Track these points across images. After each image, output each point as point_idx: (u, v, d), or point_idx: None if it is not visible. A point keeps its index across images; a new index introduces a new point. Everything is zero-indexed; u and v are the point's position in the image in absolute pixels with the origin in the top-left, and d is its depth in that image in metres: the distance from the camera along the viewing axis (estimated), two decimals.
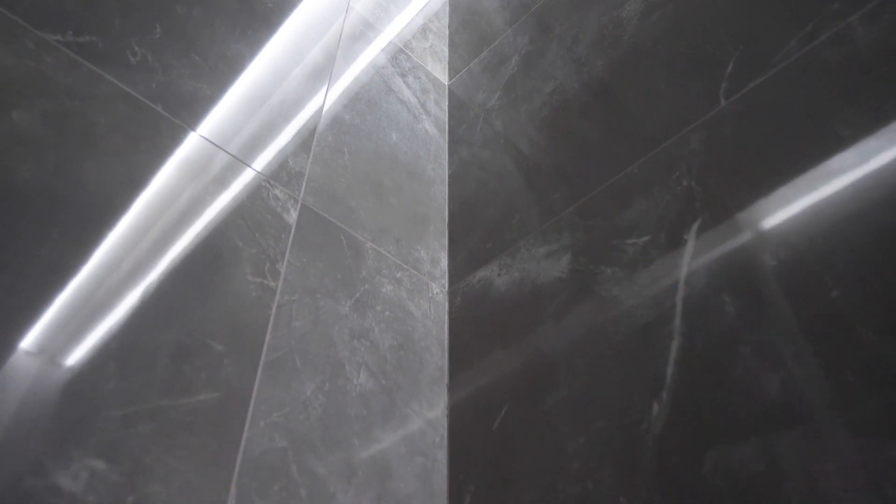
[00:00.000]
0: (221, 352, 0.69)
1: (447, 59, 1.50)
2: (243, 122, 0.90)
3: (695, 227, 0.73)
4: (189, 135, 0.82)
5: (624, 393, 0.69)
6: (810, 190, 0.65)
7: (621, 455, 0.66)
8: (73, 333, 0.60)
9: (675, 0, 0.98)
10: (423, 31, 1.50)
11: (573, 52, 1.12)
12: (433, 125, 1.29)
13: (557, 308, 0.83)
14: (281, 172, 0.90)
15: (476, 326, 0.94)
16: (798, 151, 0.68)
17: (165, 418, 0.61)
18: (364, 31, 1.30)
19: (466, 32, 1.52)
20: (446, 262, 1.07)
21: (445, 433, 0.86)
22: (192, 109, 0.84)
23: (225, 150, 0.85)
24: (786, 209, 0.66)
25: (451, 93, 1.40)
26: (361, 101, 1.15)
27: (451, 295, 1.02)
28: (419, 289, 0.98)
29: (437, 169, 1.22)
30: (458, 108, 1.34)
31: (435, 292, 1.01)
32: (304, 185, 0.92)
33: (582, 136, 0.99)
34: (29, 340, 0.57)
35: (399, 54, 1.35)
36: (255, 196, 0.84)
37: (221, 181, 0.82)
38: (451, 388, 0.90)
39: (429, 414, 0.86)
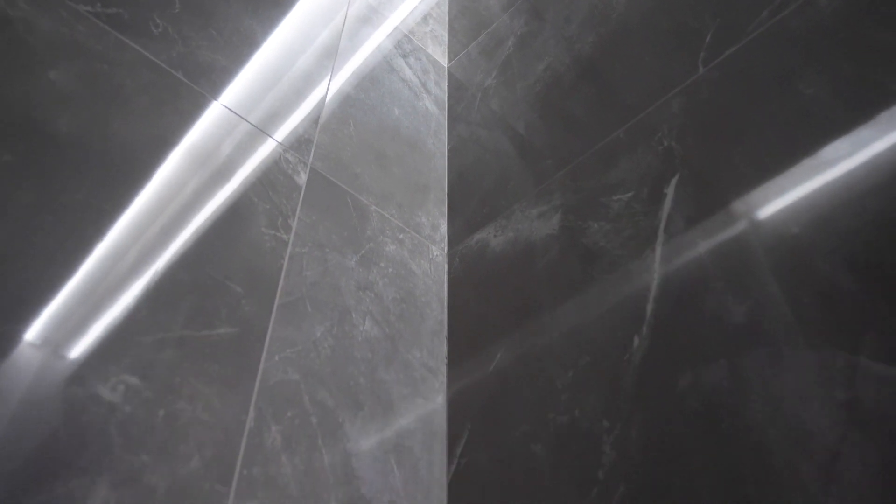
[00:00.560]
0: (240, 293, 0.75)
1: (447, 43, 1.57)
2: (260, 94, 0.97)
3: (674, 181, 0.80)
4: (212, 104, 0.88)
5: (608, 331, 0.76)
6: (779, 145, 0.71)
7: (605, 384, 0.72)
8: (109, 271, 0.66)
9: None
10: (424, 17, 1.57)
11: (565, 31, 1.19)
12: (433, 103, 1.36)
13: (549, 261, 0.89)
14: (292, 139, 0.96)
15: (473, 284, 1.00)
16: (767, 111, 0.75)
17: (190, 346, 0.68)
18: (369, 16, 1.37)
19: (465, 18, 1.59)
20: (445, 228, 1.13)
21: (445, 378, 0.92)
22: (209, 78, 0.91)
23: (247, 120, 0.91)
24: (757, 164, 0.72)
25: (450, 74, 1.47)
26: (365, 78, 1.22)
27: (451, 257, 1.08)
28: (420, 250, 1.05)
29: (437, 144, 1.28)
30: (457, 89, 1.40)
31: (435, 254, 1.07)
32: (312, 150, 0.99)
33: (572, 108, 1.05)
34: (76, 281, 0.63)
35: (401, 37, 1.42)
36: (268, 159, 0.90)
37: (241, 146, 0.88)
38: (450, 340, 0.97)
39: (429, 361, 0.92)
